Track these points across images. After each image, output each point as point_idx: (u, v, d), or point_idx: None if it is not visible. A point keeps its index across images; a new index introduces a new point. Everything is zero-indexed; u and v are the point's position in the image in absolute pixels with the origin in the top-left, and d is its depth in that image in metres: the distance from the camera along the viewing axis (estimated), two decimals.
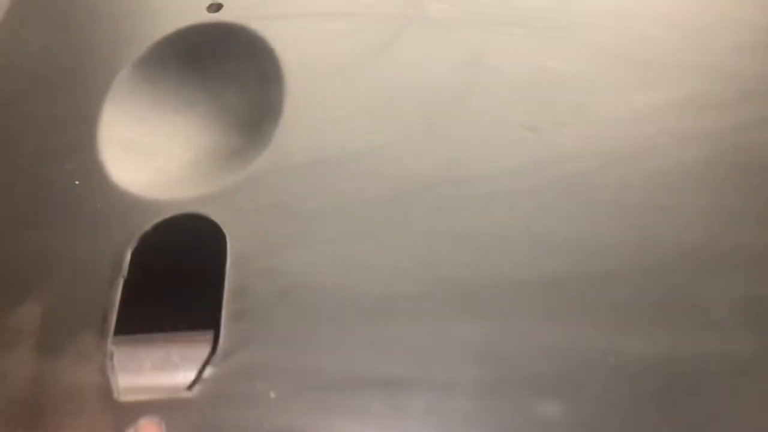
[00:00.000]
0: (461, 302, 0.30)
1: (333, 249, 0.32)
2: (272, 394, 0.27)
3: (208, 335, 0.35)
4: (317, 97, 0.38)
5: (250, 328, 0.29)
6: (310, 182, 0.34)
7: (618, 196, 0.34)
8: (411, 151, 0.35)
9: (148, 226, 0.33)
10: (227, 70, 0.42)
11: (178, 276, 0.39)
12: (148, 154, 0.38)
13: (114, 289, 0.30)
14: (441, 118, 0.37)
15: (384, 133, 0.36)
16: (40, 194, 0.35)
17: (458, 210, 0.33)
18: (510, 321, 0.29)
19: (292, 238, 0.32)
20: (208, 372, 0.28)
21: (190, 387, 0.27)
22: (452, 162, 0.35)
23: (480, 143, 0.36)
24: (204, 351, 0.34)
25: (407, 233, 0.32)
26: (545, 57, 0.40)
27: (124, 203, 0.34)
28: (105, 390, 0.27)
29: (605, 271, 0.31)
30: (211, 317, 0.32)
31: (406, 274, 0.31)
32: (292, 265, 0.31)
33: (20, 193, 0.35)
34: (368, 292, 0.30)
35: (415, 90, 0.37)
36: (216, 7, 0.43)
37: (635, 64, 0.39)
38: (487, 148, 0.35)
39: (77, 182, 0.35)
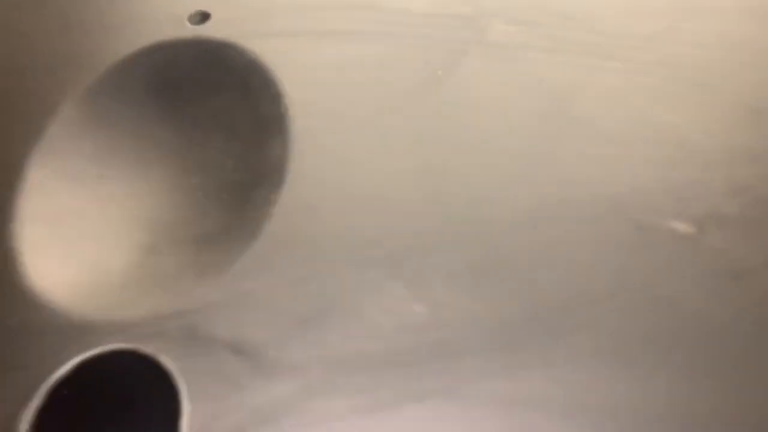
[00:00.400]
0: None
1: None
2: None
3: None
4: (337, 156, 0.26)
5: None
6: (320, 303, 0.22)
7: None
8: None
9: (63, 369, 0.21)
10: (211, 106, 0.30)
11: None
12: (83, 234, 0.25)
13: None
14: (522, 197, 0.25)
15: (437, 222, 0.24)
16: None
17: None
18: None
19: (285, 407, 0.20)
20: None
21: None
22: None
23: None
24: None
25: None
26: (657, 106, 0.27)
27: (36, 323, 0.22)
28: None
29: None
30: None
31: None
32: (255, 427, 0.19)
33: None
34: None
35: (478, 153, 0.25)
36: (200, 18, 0.31)
37: None
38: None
39: None
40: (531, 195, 0.24)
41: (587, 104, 0.27)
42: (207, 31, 0.30)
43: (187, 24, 0.30)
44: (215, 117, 0.29)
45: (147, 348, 0.21)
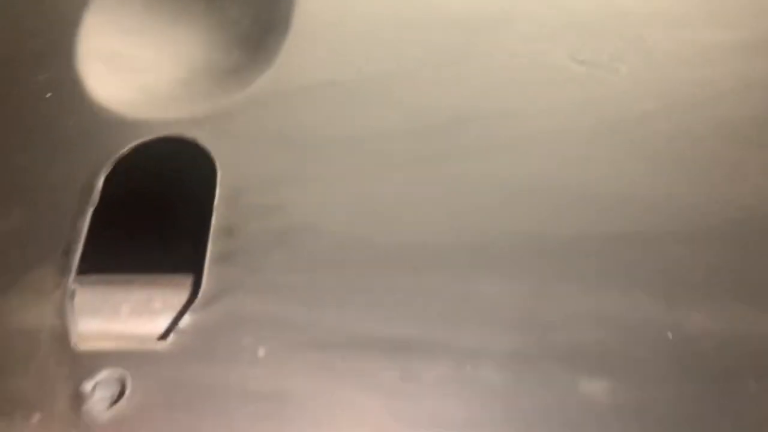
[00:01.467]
0: (491, 258, 0.25)
1: (341, 187, 0.27)
2: (261, 351, 0.22)
3: (190, 279, 0.31)
4: (332, 9, 0.32)
5: (240, 272, 0.24)
6: (318, 109, 0.29)
7: (680, 145, 0.29)
8: (440, 80, 0.30)
9: (126, 149, 0.28)
10: None
11: (159, 208, 0.34)
12: (133, 68, 0.32)
13: (81, 220, 0.26)
14: (477, 44, 0.31)
15: (410, 57, 0.31)
16: (4, 106, 0.30)
17: (490, 151, 0.28)
18: (551, 282, 0.24)
19: (293, 172, 0.27)
20: (185, 321, 0.23)
21: (163, 337, 0.23)
22: (487, 95, 0.30)
23: (521, 76, 0.30)
24: (186, 295, 0.30)
25: (430, 174, 0.27)
26: None
27: (101, 121, 0.29)
28: (62, 334, 0.23)
29: (663, 233, 0.26)
30: (197, 258, 0.28)
31: (425, 222, 0.26)
32: (291, 203, 0.26)
33: None
34: (381, 240, 0.25)
35: (449, 9, 0.32)
36: None
37: None
38: (528, 82, 0.30)
39: (49, 95, 0.30)
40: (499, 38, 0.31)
41: None
42: None
43: None
44: None
45: (188, 134, 0.28)
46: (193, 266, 0.29)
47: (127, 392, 0.21)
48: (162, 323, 0.29)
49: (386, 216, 0.26)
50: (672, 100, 0.30)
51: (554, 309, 0.24)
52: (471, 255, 0.25)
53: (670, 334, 0.23)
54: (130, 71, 0.32)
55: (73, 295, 0.24)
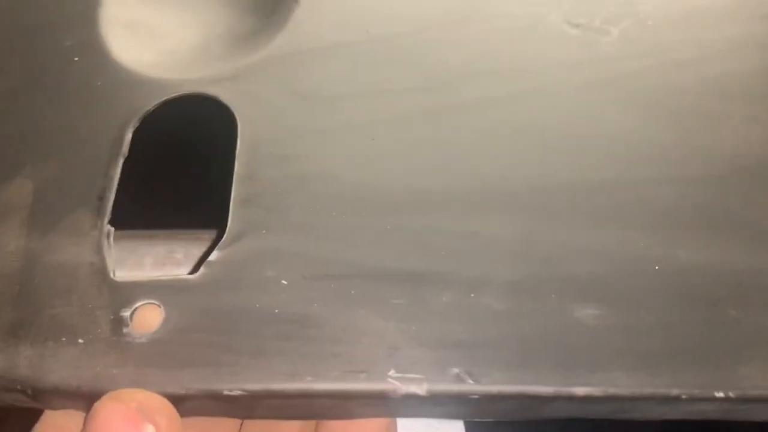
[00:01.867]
0: (495, 199, 0.27)
1: (354, 138, 0.29)
2: (284, 282, 0.24)
3: (214, 233, 0.33)
4: None
5: (262, 213, 0.26)
6: (329, 67, 0.31)
7: (670, 99, 0.31)
8: (443, 40, 0.32)
9: (151, 105, 0.30)
10: None
11: (183, 163, 0.36)
12: (155, 35, 0.34)
13: (113, 168, 0.28)
14: (480, 7, 0.33)
15: (416, 18, 0.33)
16: (35, 69, 0.32)
17: (490, 105, 0.30)
18: (548, 220, 0.26)
19: (308, 125, 0.29)
20: (213, 256, 0.25)
21: (194, 271, 0.25)
22: (488, 54, 0.32)
23: (519, 36, 0.32)
24: (207, 248, 0.32)
25: (438, 125, 0.29)
26: None
27: (127, 81, 0.31)
28: (100, 268, 0.25)
29: (653, 178, 0.28)
30: (220, 214, 0.30)
31: (432, 169, 0.28)
32: (308, 153, 0.28)
33: (15, 68, 0.32)
34: (391, 186, 0.27)
35: None
36: None
37: None
38: (526, 43, 0.32)
39: (77, 59, 0.32)
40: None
41: None
42: None
43: None
44: None
45: (209, 92, 0.30)
46: (216, 219, 0.31)
47: (163, 318, 0.24)
48: (184, 271, 0.31)
49: (395, 164, 0.28)
50: (662, 59, 0.32)
51: (550, 244, 0.26)
52: (473, 197, 0.27)
53: (657, 267, 0.25)
54: (152, 37, 0.34)
55: (110, 234, 0.26)
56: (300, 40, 0.32)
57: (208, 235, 0.34)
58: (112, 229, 0.26)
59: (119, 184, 0.28)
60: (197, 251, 0.33)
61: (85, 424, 0.22)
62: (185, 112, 0.30)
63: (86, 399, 0.23)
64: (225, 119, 0.30)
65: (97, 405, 0.22)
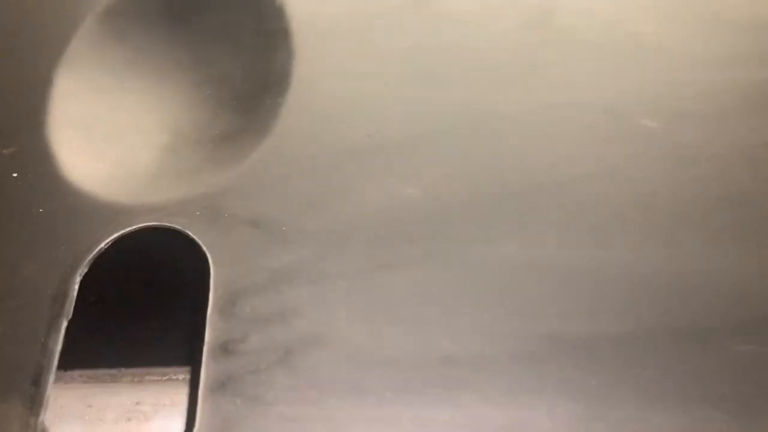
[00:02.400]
0: None
1: (353, 291, 0.22)
2: None
3: (184, 373, 0.28)
4: (339, 60, 0.28)
5: (239, 406, 0.20)
6: (325, 185, 0.25)
7: None
8: (466, 148, 0.26)
9: (104, 243, 0.24)
10: (219, 22, 0.32)
11: (146, 300, 0.31)
12: (111, 138, 0.28)
13: (54, 337, 0.22)
14: (490, 109, 0.27)
15: (425, 120, 0.27)
16: None
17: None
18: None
19: (299, 270, 0.23)
20: None
21: None
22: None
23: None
24: (180, 394, 0.27)
25: (447, 265, 0.23)
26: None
27: (75, 207, 0.25)
28: None
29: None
30: (188, 350, 0.24)
31: (449, 329, 0.22)
32: (296, 309, 0.22)
33: None
34: (404, 359, 0.21)
35: (463, 59, 0.28)
36: None
37: None
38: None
39: (15, 174, 0.27)
40: (517, 98, 0.27)
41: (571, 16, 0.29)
42: None
43: None
44: (223, 33, 0.31)
45: (176, 224, 0.24)
46: (188, 354, 0.26)
47: None
48: (153, 428, 0.26)
49: (405, 320, 0.22)
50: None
51: None
52: (511, 369, 0.21)
53: None
54: (108, 139, 0.28)
55: None
56: (290, 146, 0.26)
57: (181, 375, 0.28)
58: (48, 429, 0.20)
59: (74, 323, 0.22)
60: (167, 400, 0.27)
61: None
62: (148, 241, 0.25)
63: None
64: (193, 252, 0.24)
65: None
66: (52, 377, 0.21)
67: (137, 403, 0.27)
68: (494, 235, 0.23)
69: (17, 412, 0.21)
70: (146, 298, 0.29)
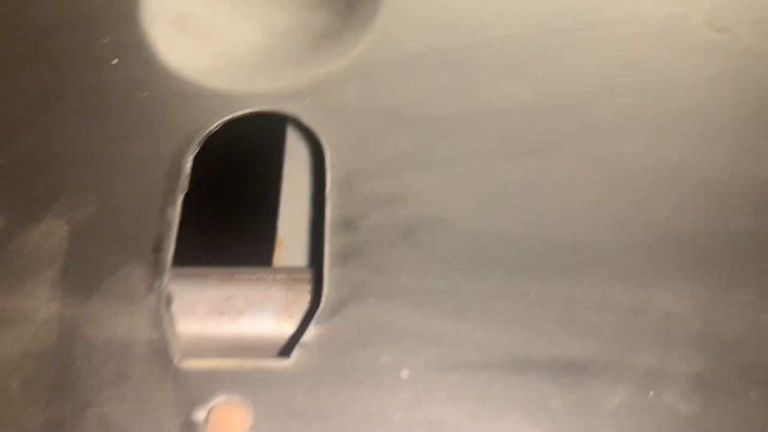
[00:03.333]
0: (662, 260, 0.21)
1: (470, 172, 0.23)
2: (404, 373, 0.19)
3: (273, 273, 0.28)
4: None
5: (366, 275, 0.20)
6: (431, 80, 0.25)
7: None
8: (566, 46, 0.25)
9: (214, 125, 0.24)
10: None
11: (240, 189, 0.30)
12: (208, 32, 0.28)
13: (171, 208, 0.22)
14: (607, 7, 0.27)
15: (532, 19, 0.26)
16: (65, 74, 0.26)
17: (628, 130, 0.24)
18: (728, 291, 0.21)
19: (413, 154, 0.23)
20: (310, 334, 0.19)
21: (286, 352, 0.19)
22: (619, 66, 0.25)
23: (654, 44, 0.27)
24: (271, 291, 0.27)
25: (566, 155, 0.23)
26: None
27: (179, 92, 0.25)
28: (160, 349, 0.19)
29: None
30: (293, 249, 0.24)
31: (574, 216, 0.22)
32: (415, 191, 0.22)
33: (40, 73, 0.26)
34: (525, 238, 0.21)
35: None
36: None
37: None
38: (663, 52, 0.26)
39: (116, 61, 0.26)
40: None
41: None
42: None
43: None
44: None
45: (286, 110, 0.24)
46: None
47: (250, 422, 0.18)
48: (247, 323, 0.26)
49: (525, 208, 0.22)
50: None
51: (734, 321, 0.20)
52: (632, 257, 0.21)
53: None
54: (205, 35, 0.28)
55: (169, 301, 0.20)
56: (390, 46, 0.26)
57: (271, 276, 0.28)
58: (173, 294, 0.20)
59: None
60: (259, 296, 0.27)
61: None
62: (255, 132, 0.25)
63: None
64: (307, 143, 0.24)
65: None
66: (172, 246, 0.21)
67: (228, 299, 0.27)
68: (611, 130, 0.24)
69: (142, 275, 0.20)
70: (239, 194, 0.29)
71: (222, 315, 0.27)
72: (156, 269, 0.20)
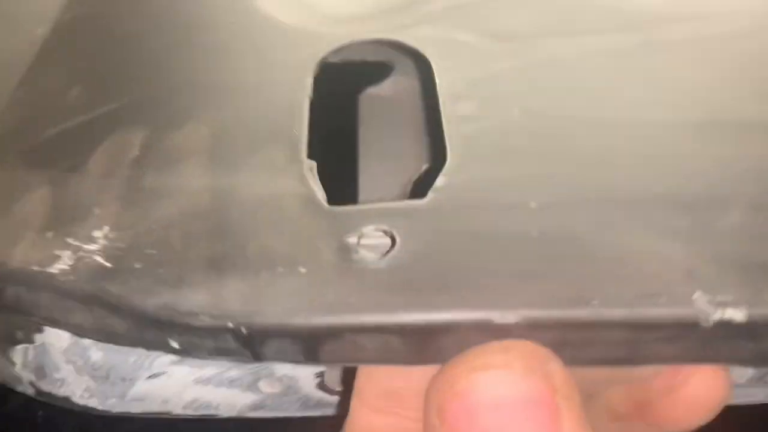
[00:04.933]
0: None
1: (575, 76, 0.25)
2: (533, 204, 0.20)
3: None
4: None
5: (485, 148, 0.23)
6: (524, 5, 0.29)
7: None
8: None
9: (333, 47, 0.27)
10: None
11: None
12: None
13: (299, 109, 0.25)
14: None
15: None
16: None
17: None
18: None
19: (509, 64, 0.26)
20: (440, 181, 0.21)
21: (420, 196, 0.21)
22: None
23: None
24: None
25: (653, 59, 0.26)
26: None
27: (278, 30, 0.28)
28: (309, 198, 0.21)
29: None
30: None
31: (659, 101, 0.24)
32: (521, 94, 0.25)
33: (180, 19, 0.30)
34: (625, 117, 0.24)
35: None
36: None
37: None
38: None
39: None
40: None
41: None
42: None
43: None
44: None
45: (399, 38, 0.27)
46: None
47: (399, 242, 0.20)
48: None
49: (620, 95, 0.25)
50: None
51: None
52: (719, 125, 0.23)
53: None
54: None
55: (312, 168, 0.22)
56: None
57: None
58: (314, 163, 0.23)
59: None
60: None
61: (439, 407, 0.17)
62: (366, 61, 0.28)
63: (311, 338, 0.19)
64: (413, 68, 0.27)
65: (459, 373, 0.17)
66: (306, 131, 0.23)
67: None
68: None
69: (282, 152, 0.23)
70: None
71: None
72: (295, 147, 0.23)
